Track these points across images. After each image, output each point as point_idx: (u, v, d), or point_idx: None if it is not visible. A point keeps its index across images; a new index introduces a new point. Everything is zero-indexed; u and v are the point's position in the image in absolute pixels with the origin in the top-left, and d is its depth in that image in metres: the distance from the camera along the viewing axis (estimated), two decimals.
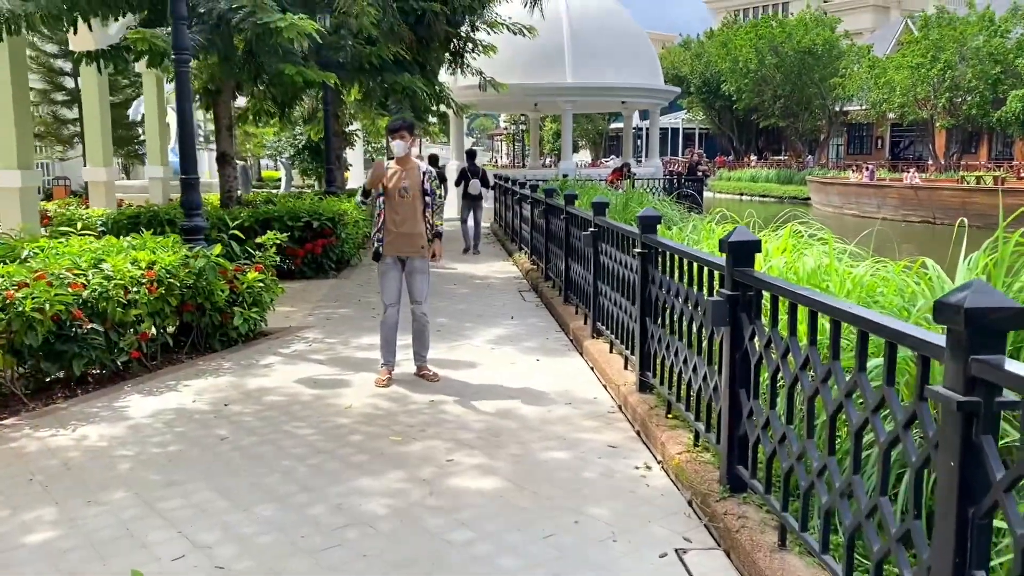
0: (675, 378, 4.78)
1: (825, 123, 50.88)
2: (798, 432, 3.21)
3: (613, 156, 44.40)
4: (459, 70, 18.42)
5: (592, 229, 6.89)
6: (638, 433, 4.99)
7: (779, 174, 48.95)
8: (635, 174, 19.52)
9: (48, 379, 5.98)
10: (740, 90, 50.58)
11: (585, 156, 61.11)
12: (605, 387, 5.98)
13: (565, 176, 18.24)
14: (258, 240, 7.85)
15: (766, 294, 3.61)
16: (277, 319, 8.42)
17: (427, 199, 6.13)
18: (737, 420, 3.73)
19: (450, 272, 12.07)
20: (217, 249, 6.93)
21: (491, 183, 15.86)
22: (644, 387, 5.36)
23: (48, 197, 19.94)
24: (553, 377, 6.25)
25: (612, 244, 6.38)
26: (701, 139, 65.58)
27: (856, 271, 4.86)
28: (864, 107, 46.04)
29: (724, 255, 3.72)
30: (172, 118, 26.02)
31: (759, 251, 3.73)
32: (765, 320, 3.58)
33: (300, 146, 30.12)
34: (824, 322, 2.99)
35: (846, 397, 2.78)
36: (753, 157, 56.01)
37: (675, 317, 4.76)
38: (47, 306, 5.46)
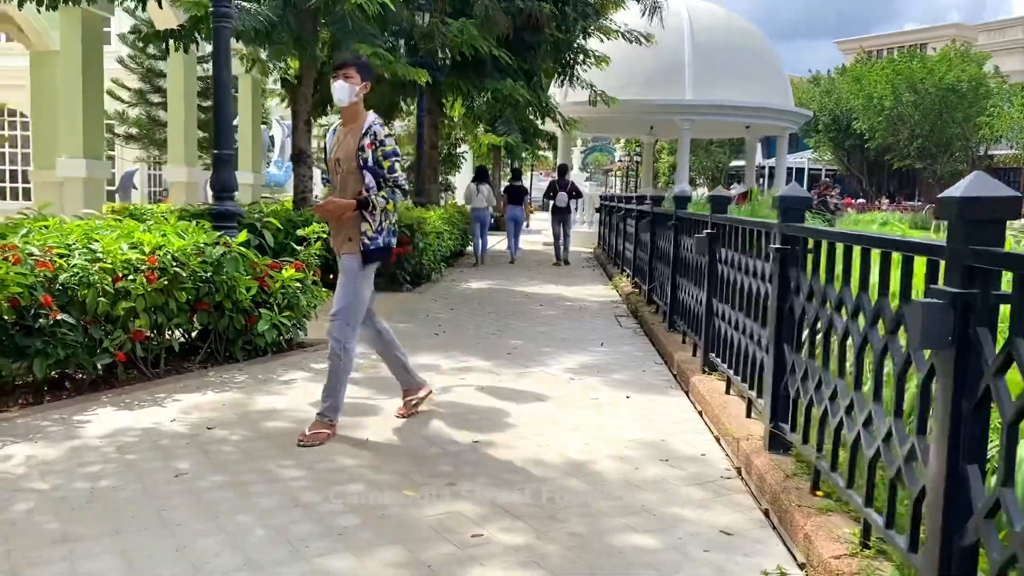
0: (830, 434, 3.13)
1: (967, 166, 47.04)
2: None
3: (735, 183, 42.05)
4: (569, 82, 17.13)
5: (708, 231, 5.30)
6: (766, 513, 3.34)
7: (913, 219, 45.41)
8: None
9: (16, 381, 4.84)
10: (873, 128, 47.47)
11: (702, 192, 58.75)
12: (718, 440, 4.34)
13: None
14: (299, 232, 6.59)
15: None
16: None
17: (367, 178, 4.14)
18: (960, 522, 2.09)
19: (537, 292, 10.60)
20: (241, 236, 5.68)
21: (581, 193, 16.39)
22: (777, 444, 3.71)
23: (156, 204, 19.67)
24: (646, 421, 4.66)
25: (734, 247, 4.77)
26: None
27: None
28: (1015, 150, 42.21)
29: (953, 223, 2.12)
30: (277, 131, 25.83)
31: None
32: None
33: (406, 165, 29.48)
34: None
35: None
36: (885, 200, 52.42)
37: (836, 342, 3.14)
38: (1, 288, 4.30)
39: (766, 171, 49.99)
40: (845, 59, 73.86)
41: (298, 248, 6.62)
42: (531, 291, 10.75)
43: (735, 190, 33.37)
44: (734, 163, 58.52)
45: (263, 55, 11.55)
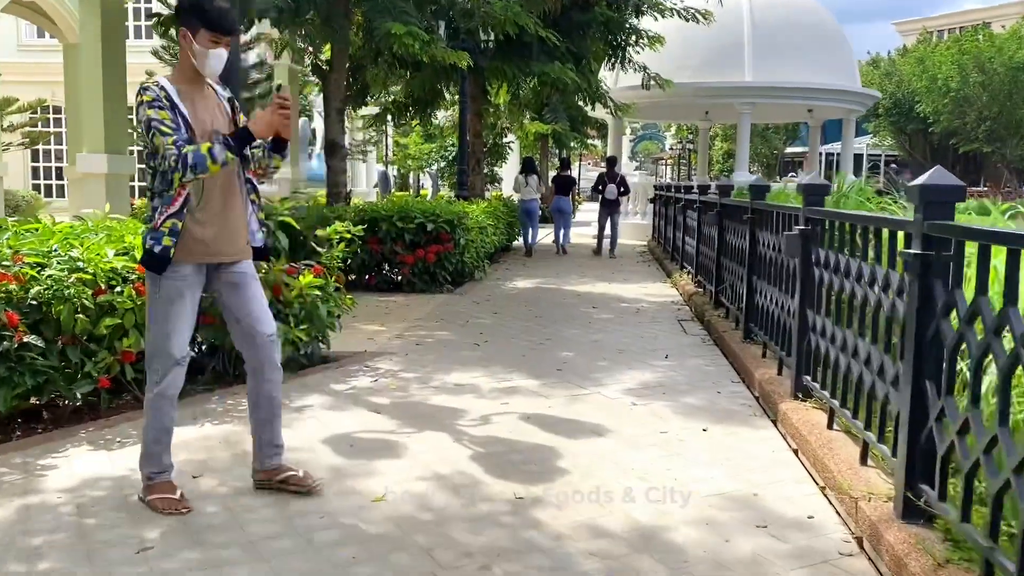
0: (1014, 511, 2.24)
1: None
2: None
3: (792, 173, 40.39)
4: (621, 65, 16.16)
5: (801, 227, 4.38)
6: None
7: (980, 206, 43.28)
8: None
9: None
10: (938, 111, 45.39)
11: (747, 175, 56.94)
12: (824, 492, 3.44)
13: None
14: (317, 233, 5.82)
15: None
16: (355, 339, 6.39)
17: (251, 161, 3.25)
18: None
19: (589, 292, 9.72)
20: None
21: (630, 188, 15.84)
22: (915, 512, 2.82)
23: None
24: (730, 465, 3.77)
25: (840, 249, 3.85)
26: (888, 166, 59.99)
27: None
28: None
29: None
30: (319, 123, 25.27)
31: None
32: None
33: (451, 157, 28.76)
34: None
35: None
36: None
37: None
38: None
39: (823, 158, 48.26)
40: (904, 40, 71.19)
41: (320, 250, 5.86)
42: (582, 290, 9.88)
43: (797, 179, 32.12)
44: (789, 149, 56.70)
45: (298, 41, 10.84)
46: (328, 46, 10.02)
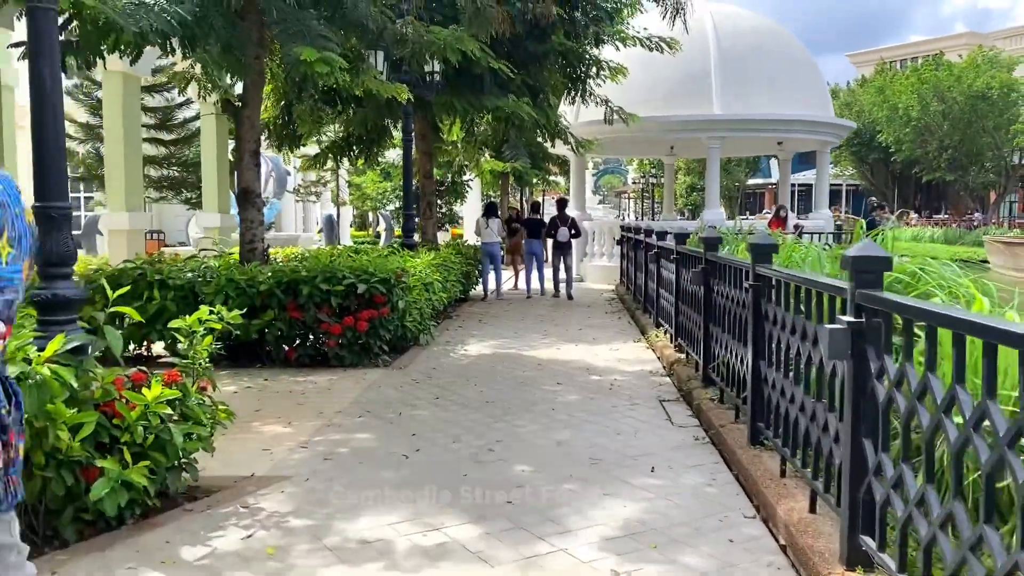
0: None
1: (1000, 176, 44.52)
2: None
3: (767, 210, 39.24)
4: (581, 99, 14.94)
5: (852, 319, 3.00)
6: None
7: (946, 233, 42.83)
8: (802, 227, 15.26)
9: None
10: (899, 141, 45.11)
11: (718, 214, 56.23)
12: None
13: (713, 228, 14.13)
14: (172, 325, 4.31)
15: None
16: (246, 451, 4.89)
17: None
18: None
19: (554, 358, 8.29)
20: (54, 344, 3.41)
21: (581, 231, 15.63)
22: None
23: None
24: None
25: (921, 353, 2.48)
26: (848, 196, 59.87)
27: None
28: None
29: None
30: (262, 165, 23.68)
31: None
32: None
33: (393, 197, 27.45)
34: None
35: None
36: (914, 216, 49.89)
37: None
38: None
39: (793, 190, 47.63)
40: (860, 71, 71.63)
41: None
42: (545, 357, 8.45)
43: (789, 220, 31.36)
44: (751, 181, 56.12)
45: (203, 74, 9.38)
46: (238, 79, 8.58)
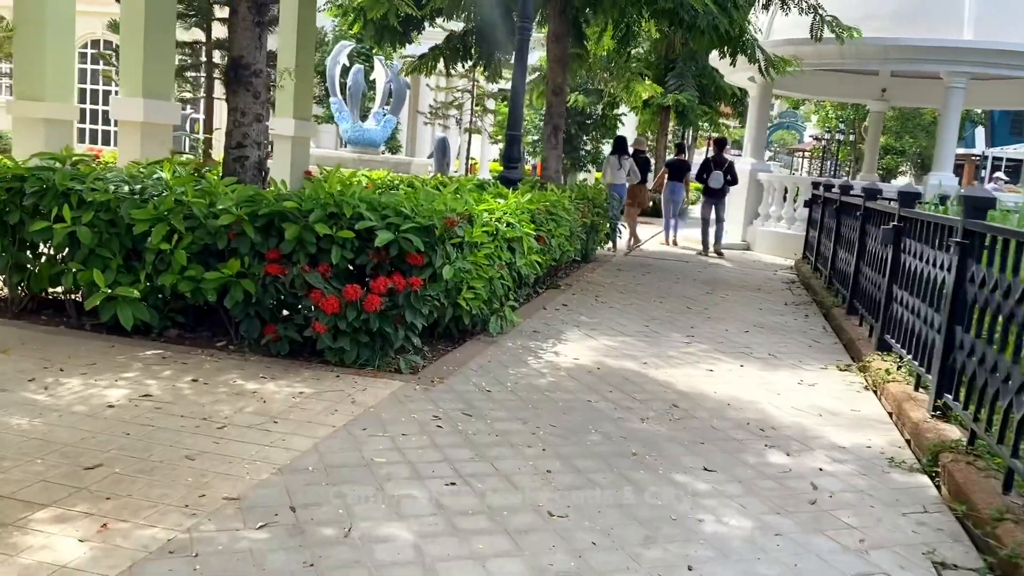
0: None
1: None
2: None
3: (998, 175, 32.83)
4: (781, 3, 10.97)
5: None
6: None
7: None
8: None
9: None
10: None
11: (900, 183, 49.36)
12: None
13: (944, 198, 9.85)
14: None
15: None
16: None
17: None
18: None
19: (693, 390, 4.78)
20: None
21: (738, 179, 13.26)
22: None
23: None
24: None
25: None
26: None
27: None
28: None
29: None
30: (380, 72, 20.56)
31: None
32: None
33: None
34: None
35: None
36: None
37: None
38: None
39: (990, 163, 40.65)
40: None
41: None
42: (685, 385, 4.96)
43: (992, 186, 25.88)
44: (957, 151, 48.75)
45: None
46: None
